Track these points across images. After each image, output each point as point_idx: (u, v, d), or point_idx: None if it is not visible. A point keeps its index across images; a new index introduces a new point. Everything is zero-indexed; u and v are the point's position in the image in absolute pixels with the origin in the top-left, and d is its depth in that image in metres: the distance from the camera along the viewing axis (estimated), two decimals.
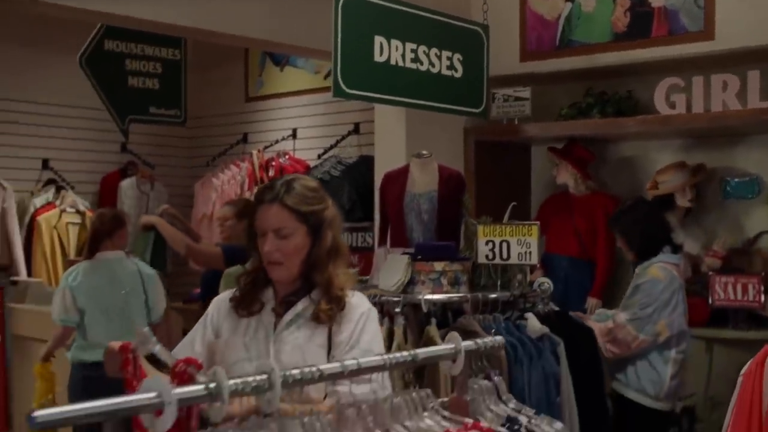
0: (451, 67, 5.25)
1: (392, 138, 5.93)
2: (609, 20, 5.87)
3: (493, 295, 3.99)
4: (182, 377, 2.09)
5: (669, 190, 5.76)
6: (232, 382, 1.68)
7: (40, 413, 1.47)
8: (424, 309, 3.85)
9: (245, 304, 2.66)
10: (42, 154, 8.18)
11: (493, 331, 3.64)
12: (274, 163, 7.97)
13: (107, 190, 8.47)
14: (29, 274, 7.49)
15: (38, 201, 7.86)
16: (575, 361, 3.94)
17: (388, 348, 3.55)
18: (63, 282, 5.30)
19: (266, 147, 8.43)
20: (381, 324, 3.29)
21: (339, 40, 4.49)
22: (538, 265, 4.41)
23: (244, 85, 8.95)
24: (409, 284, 4.05)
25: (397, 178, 5.20)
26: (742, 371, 3.21)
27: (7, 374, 4.38)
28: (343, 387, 2.31)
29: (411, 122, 5.81)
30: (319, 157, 7.96)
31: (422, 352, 2.03)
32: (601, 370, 4.26)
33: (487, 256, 4.17)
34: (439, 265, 4.02)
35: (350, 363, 1.90)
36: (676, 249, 4.68)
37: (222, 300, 2.75)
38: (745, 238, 5.79)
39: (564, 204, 6.14)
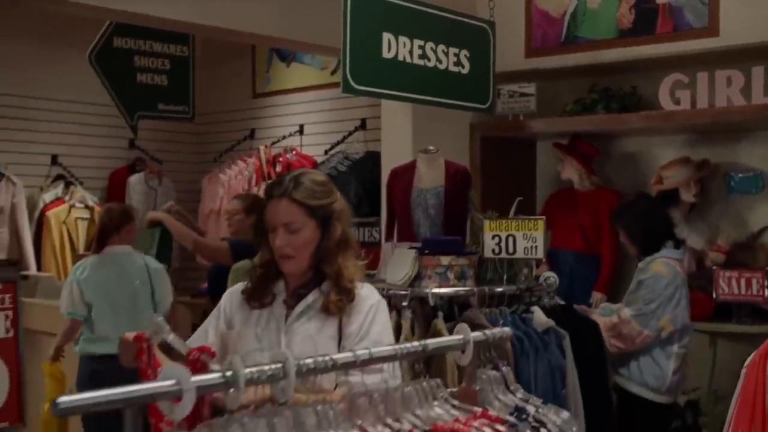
0: (458, 63, 5.28)
1: (399, 134, 5.97)
2: (614, 17, 5.90)
3: (500, 289, 4.03)
4: (196, 365, 2.14)
5: (673, 185, 5.78)
6: (247, 370, 1.71)
7: (63, 399, 1.50)
8: (431, 303, 3.88)
9: (257, 296, 2.70)
10: (51, 149, 8.24)
11: (501, 323, 3.68)
12: (281, 159, 8.00)
13: (115, 186, 8.53)
14: (39, 269, 7.56)
15: (47, 196, 7.93)
16: (580, 354, 3.97)
17: (396, 341, 3.59)
18: (71, 276, 5.33)
19: (273, 143, 8.46)
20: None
21: (348, 36, 4.51)
22: (543, 260, 4.44)
23: (251, 82, 8.98)
24: (416, 278, 4.09)
25: (404, 174, 5.22)
26: (746, 363, 3.26)
27: (21, 368, 4.43)
28: (355, 377, 2.36)
29: (417, 118, 5.85)
30: (326, 152, 8.00)
31: (432, 342, 2.07)
32: (606, 364, 4.29)
33: (493, 251, 4.21)
34: (445, 260, 4.05)
35: (362, 352, 1.94)
36: (679, 244, 4.70)
37: (234, 292, 2.79)
38: (749, 233, 5.80)
39: (569, 199, 6.17)
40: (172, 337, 2.36)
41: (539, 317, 3.90)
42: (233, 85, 9.05)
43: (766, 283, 5.30)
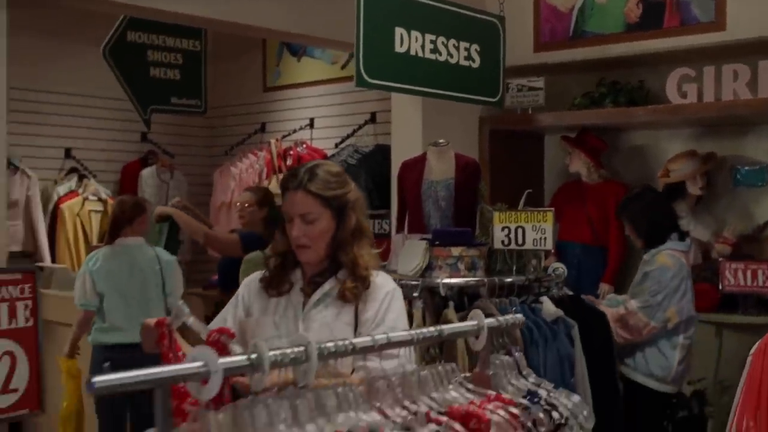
0: (468, 57, 5.33)
1: (409, 127, 6.01)
2: (622, 11, 5.94)
3: (509, 279, 4.07)
4: (216, 346, 2.20)
5: (680, 178, 5.81)
6: (271, 353, 1.76)
7: (98, 379, 1.55)
8: (442, 293, 3.93)
9: (275, 285, 2.77)
10: (65, 143, 8.30)
11: (513, 309, 3.74)
12: (291, 152, 8.03)
13: (128, 179, 8.58)
14: (53, 261, 7.61)
15: (61, 189, 7.98)
16: (588, 344, 4.01)
17: None
18: (84, 267, 5.38)
19: (284, 136, 8.50)
20: None
21: (361, 31, 4.57)
22: (552, 251, 4.49)
23: (262, 76, 9.01)
24: (427, 269, 4.13)
25: (415, 166, 5.25)
26: (752, 351, 3.29)
27: (40, 357, 4.51)
28: (372, 363, 2.43)
29: (427, 112, 5.89)
30: (336, 146, 8.04)
31: (448, 328, 2.14)
32: (614, 354, 4.33)
33: (502, 242, 4.25)
34: (456, 251, 4.10)
35: (380, 337, 2.00)
36: (683, 236, 4.72)
37: (252, 281, 2.85)
38: (755, 225, 5.82)
39: (577, 192, 6.20)
40: (192, 320, 2.41)
41: (548, 307, 3.95)
42: (244, 79, 9.08)
43: None
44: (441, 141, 5.19)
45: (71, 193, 7.98)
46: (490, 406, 2.02)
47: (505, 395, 2.14)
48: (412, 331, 2.09)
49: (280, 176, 7.88)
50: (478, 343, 2.20)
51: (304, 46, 8.43)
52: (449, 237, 4.24)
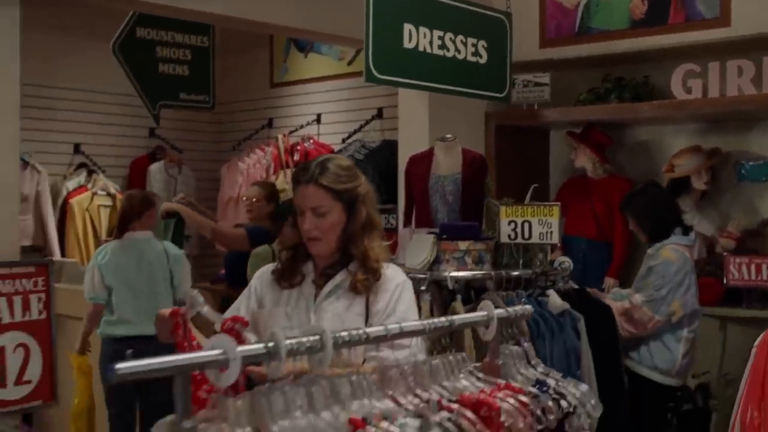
0: (476, 53, 5.36)
1: (415, 123, 6.03)
2: (627, 7, 5.94)
3: (516, 273, 4.10)
4: (230, 334, 2.25)
5: (685, 173, 5.82)
6: (288, 342, 1.79)
7: (121, 366, 1.60)
8: (450, 286, 3.96)
9: (287, 277, 2.81)
10: (74, 138, 8.35)
11: (522, 301, 3.77)
12: (299, 148, 8.07)
13: (136, 174, 8.63)
14: (62, 256, 7.66)
15: (71, 184, 8.04)
16: (594, 337, 4.03)
17: None
18: (92, 261, 5.42)
19: (291, 132, 8.53)
20: None
21: (370, 28, 4.61)
22: (558, 245, 4.51)
23: (269, 72, 9.05)
24: (435, 262, 4.16)
25: (422, 161, 5.28)
26: (756, 343, 3.33)
27: (53, 349, 4.56)
28: (384, 353, 2.48)
29: (434, 107, 5.92)
30: (343, 141, 8.07)
31: (458, 318, 2.18)
32: (619, 347, 4.34)
33: (509, 236, 4.28)
34: (463, 244, 4.13)
35: (393, 326, 2.03)
36: (687, 230, 4.73)
37: (265, 273, 2.89)
38: (759, 220, 5.83)
39: (582, 187, 6.22)
40: (206, 309, 2.45)
41: (555, 300, 3.97)
42: (251, 75, 9.11)
43: None
44: (448, 136, 5.21)
45: (80, 188, 8.04)
46: (501, 395, 2.05)
47: (514, 384, 2.17)
48: (424, 321, 2.13)
49: (288, 171, 7.92)
50: (488, 333, 2.24)
51: (311, 42, 8.46)
52: (457, 231, 4.27)
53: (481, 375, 2.19)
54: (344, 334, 1.93)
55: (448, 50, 5.14)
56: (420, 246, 4.23)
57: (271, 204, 6.19)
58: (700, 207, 5.90)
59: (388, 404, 1.93)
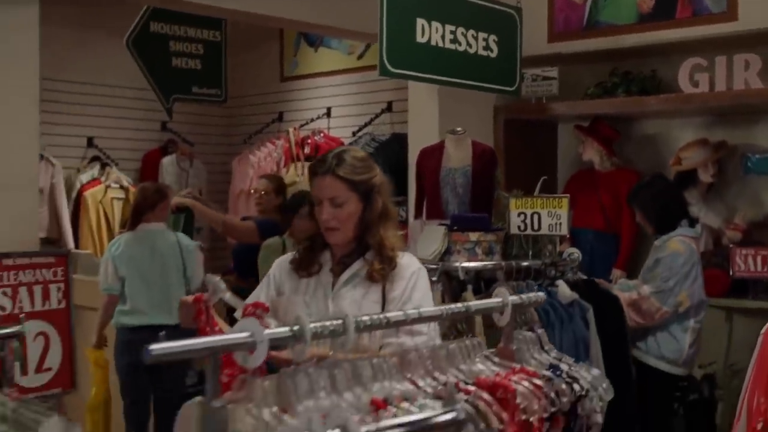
0: (486, 47, 5.43)
1: (425, 116, 6.08)
2: (634, 2, 5.99)
3: (526, 263, 4.14)
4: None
5: (692, 166, 5.85)
6: (312, 325, 1.85)
7: (155, 347, 1.65)
8: (461, 276, 4.00)
9: (305, 266, 2.88)
10: (87, 132, 8.40)
11: (536, 288, 3.82)
12: (309, 141, 8.11)
13: (149, 167, 8.69)
14: (76, 248, 7.70)
15: (84, 177, 8.10)
16: (602, 326, 4.07)
17: None
18: (107, 253, 5.47)
19: (301, 125, 8.56)
20: None
21: (384, 22, 4.67)
22: (567, 236, 4.57)
23: (280, 66, 9.09)
24: (446, 253, 4.21)
25: (433, 154, 5.33)
26: (762, 330, 3.32)
27: (72, 338, 4.65)
28: (402, 338, 2.56)
29: (443, 101, 5.96)
30: (354, 134, 8.12)
31: (474, 304, 2.25)
32: (627, 337, 4.38)
33: (519, 227, 4.33)
34: (474, 236, 4.18)
35: (412, 311, 2.10)
36: (693, 222, 4.77)
37: (283, 262, 2.96)
38: (765, 212, 5.86)
39: (589, 180, 6.25)
40: (228, 296, 2.53)
41: (564, 290, 4.00)
42: (261, 69, 9.14)
43: None
44: (458, 129, 5.26)
45: (94, 181, 8.10)
46: (515, 378, 2.11)
47: (528, 368, 2.22)
48: (442, 307, 2.19)
49: (298, 164, 7.98)
50: (503, 319, 2.29)
51: (321, 37, 8.50)
52: (467, 222, 4.32)
53: (496, 359, 2.24)
54: (365, 318, 1.99)
55: (459, 44, 5.20)
56: (431, 237, 4.28)
57: (279, 197, 6.26)
58: (706, 199, 5.93)
59: (408, 386, 1.98)
